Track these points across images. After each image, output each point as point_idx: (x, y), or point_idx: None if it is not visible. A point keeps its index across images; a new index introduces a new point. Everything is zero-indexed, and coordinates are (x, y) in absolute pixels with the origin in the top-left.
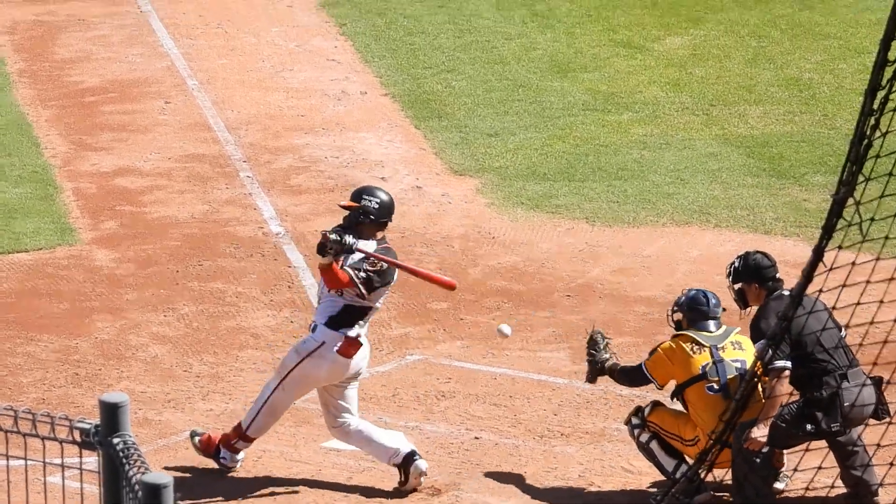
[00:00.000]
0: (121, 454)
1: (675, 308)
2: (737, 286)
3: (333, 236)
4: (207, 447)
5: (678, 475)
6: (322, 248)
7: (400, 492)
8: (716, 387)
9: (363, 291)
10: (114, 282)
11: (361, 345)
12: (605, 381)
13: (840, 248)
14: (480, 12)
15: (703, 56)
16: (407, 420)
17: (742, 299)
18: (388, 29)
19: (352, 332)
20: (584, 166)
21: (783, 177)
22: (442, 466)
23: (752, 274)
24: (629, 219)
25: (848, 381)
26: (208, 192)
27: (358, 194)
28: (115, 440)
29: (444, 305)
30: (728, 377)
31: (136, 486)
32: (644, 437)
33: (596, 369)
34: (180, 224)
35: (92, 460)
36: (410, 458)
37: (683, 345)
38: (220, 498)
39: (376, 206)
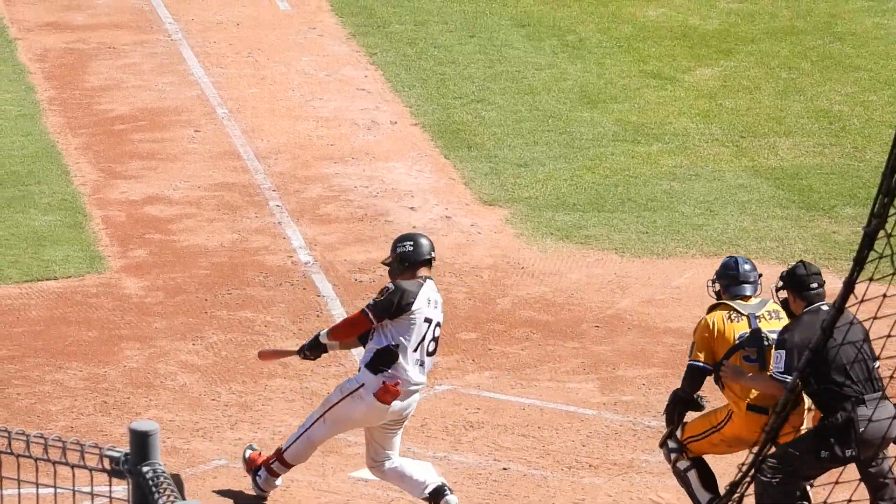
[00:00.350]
0: (150, 483)
1: (714, 279)
2: (781, 295)
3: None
4: (251, 464)
5: None
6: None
7: None
8: (752, 357)
9: (371, 318)
10: (142, 310)
11: (399, 392)
12: (632, 413)
13: (871, 280)
14: (511, 42)
15: (734, 87)
16: (435, 450)
17: (786, 309)
18: (418, 59)
19: (391, 378)
20: (613, 197)
21: (813, 209)
22: (470, 497)
23: (788, 282)
24: (658, 250)
25: (866, 407)
26: (237, 220)
27: (393, 246)
28: (145, 468)
29: (473, 336)
30: (765, 345)
31: None
32: (682, 465)
33: (671, 419)
34: (209, 253)
35: (121, 489)
36: (441, 491)
37: (720, 314)
38: None
39: (411, 247)
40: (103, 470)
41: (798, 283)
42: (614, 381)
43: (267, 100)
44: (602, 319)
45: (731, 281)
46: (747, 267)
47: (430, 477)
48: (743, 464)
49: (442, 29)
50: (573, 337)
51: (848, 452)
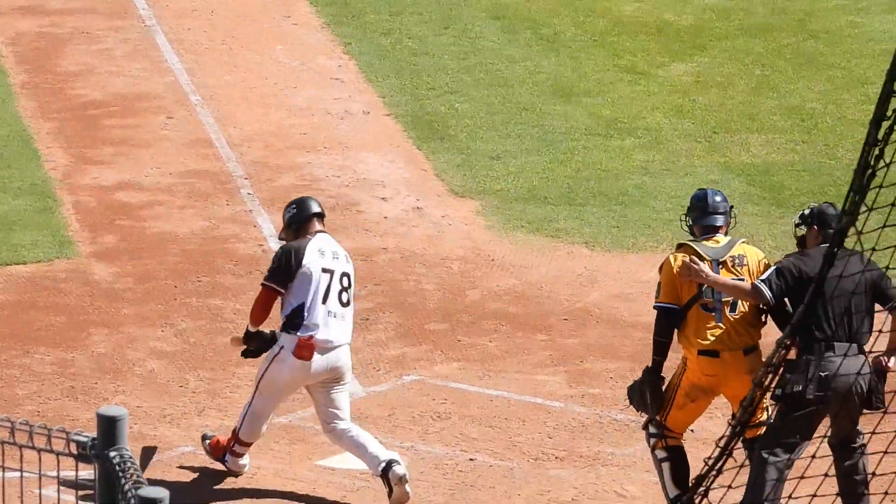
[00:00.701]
0: (117, 468)
1: (686, 213)
2: (800, 231)
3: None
4: (216, 450)
5: None
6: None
7: None
8: (710, 306)
9: (274, 287)
10: (112, 296)
11: (314, 346)
12: (599, 406)
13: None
14: (486, 35)
15: (707, 83)
16: (402, 440)
17: (801, 246)
18: (392, 49)
19: (305, 334)
20: (584, 191)
21: (783, 205)
22: (436, 487)
23: (817, 220)
24: (628, 244)
25: (833, 353)
26: (209, 208)
27: (282, 217)
28: (112, 454)
29: (442, 327)
30: (723, 299)
31: (133, 500)
32: (659, 454)
33: (645, 391)
34: (180, 240)
35: (87, 473)
36: (389, 466)
37: (683, 258)
38: None
39: (295, 209)
40: (70, 454)
41: (825, 222)
42: (582, 373)
43: (240, 88)
44: (571, 312)
45: (700, 213)
46: (718, 198)
47: (382, 453)
48: (709, 457)
49: (417, 20)
50: (542, 329)
51: (797, 388)
